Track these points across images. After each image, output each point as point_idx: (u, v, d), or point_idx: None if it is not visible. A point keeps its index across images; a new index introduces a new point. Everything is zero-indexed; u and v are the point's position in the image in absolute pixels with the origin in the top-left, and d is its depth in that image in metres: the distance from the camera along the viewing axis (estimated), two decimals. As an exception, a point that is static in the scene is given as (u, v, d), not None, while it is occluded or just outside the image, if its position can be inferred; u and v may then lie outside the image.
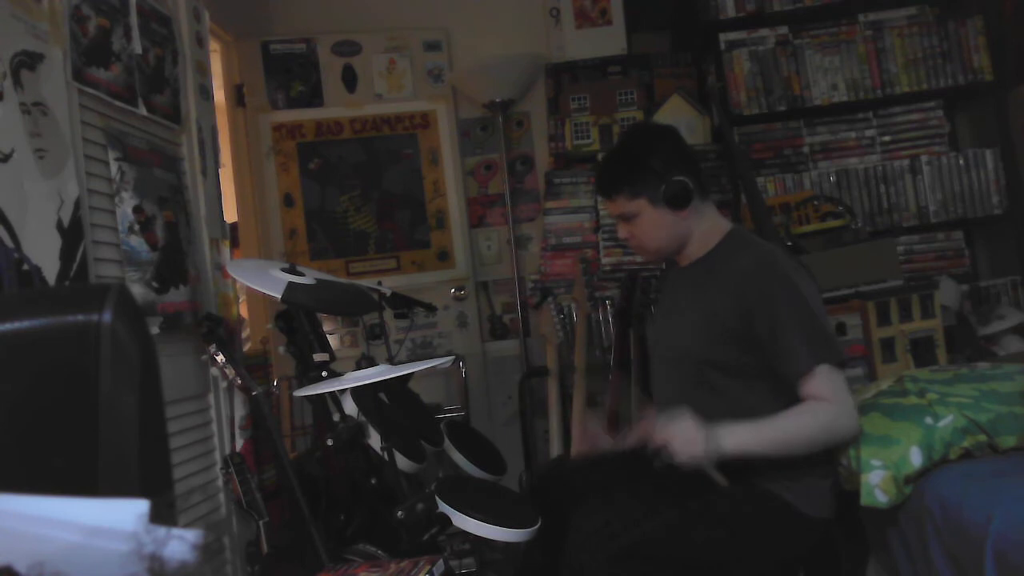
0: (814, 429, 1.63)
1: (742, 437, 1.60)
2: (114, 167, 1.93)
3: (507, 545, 2.11)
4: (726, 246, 1.84)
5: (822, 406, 1.63)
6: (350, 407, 2.27)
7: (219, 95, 3.30)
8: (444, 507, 1.93)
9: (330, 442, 2.07)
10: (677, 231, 1.85)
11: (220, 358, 2.10)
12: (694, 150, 1.96)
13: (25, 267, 1.53)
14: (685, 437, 1.57)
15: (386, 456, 2.02)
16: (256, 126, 3.66)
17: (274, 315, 2.31)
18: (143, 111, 2.10)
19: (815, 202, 2.88)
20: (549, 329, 2.93)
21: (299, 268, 2.11)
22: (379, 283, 2.81)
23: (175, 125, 2.28)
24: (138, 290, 1.94)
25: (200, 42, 2.50)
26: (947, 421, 1.75)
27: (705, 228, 1.87)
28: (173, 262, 2.14)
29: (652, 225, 1.84)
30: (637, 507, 1.69)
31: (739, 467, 1.62)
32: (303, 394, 1.96)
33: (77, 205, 1.72)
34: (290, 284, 1.99)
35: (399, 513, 1.81)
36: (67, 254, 1.67)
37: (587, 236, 3.31)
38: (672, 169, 1.81)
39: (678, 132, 1.93)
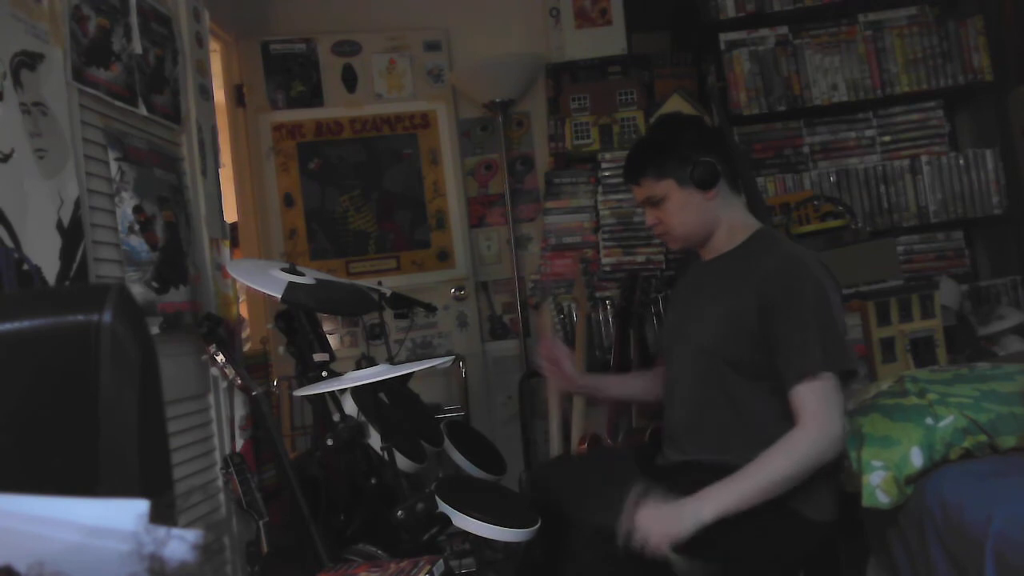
0: (792, 469, 1.59)
1: (721, 502, 1.55)
2: (114, 167, 1.93)
3: (507, 545, 2.11)
4: (754, 243, 1.82)
5: (798, 440, 1.60)
6: (350, 407, 2.27)
7: (219, 95, 3.30)
8: (444, 507, 1.93)
9: (330, 442, 2.07)
10: (705, 215, 1.83)
11: (220, 358, 2.10)
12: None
13: (25, 267, 1.53)
14: (661, 522, 1.52)
15: (386, 456, 2.02)
16: (256, 126, 3.66)
17: (274, 315, 2.31)
18: (143, 111, 2.10)
19: (815, 202, 2.88)
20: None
21: (299, 268, 2.11)
22: (379, 283, 2.81)
23: (175, 125, 2.28)
24: (138, 290, 1.94)
25: (200, 42, 2.49)
26: (947, 421, 1.75)
27: (733, 219, 1.85)
28: (173, 262, 2.14)
29: (679, 207, 1.82)
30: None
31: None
32: (303, 394, 1.96)
33: (77, 205, 1.72)
34: (290, 284, 1.99)
35: (399, 513, 1.81)
36: (67, 254, 1.66)
37: (587, 236, 3.32)
38: (699, 151, 1.81)
39: (704, 120, 1.92)
